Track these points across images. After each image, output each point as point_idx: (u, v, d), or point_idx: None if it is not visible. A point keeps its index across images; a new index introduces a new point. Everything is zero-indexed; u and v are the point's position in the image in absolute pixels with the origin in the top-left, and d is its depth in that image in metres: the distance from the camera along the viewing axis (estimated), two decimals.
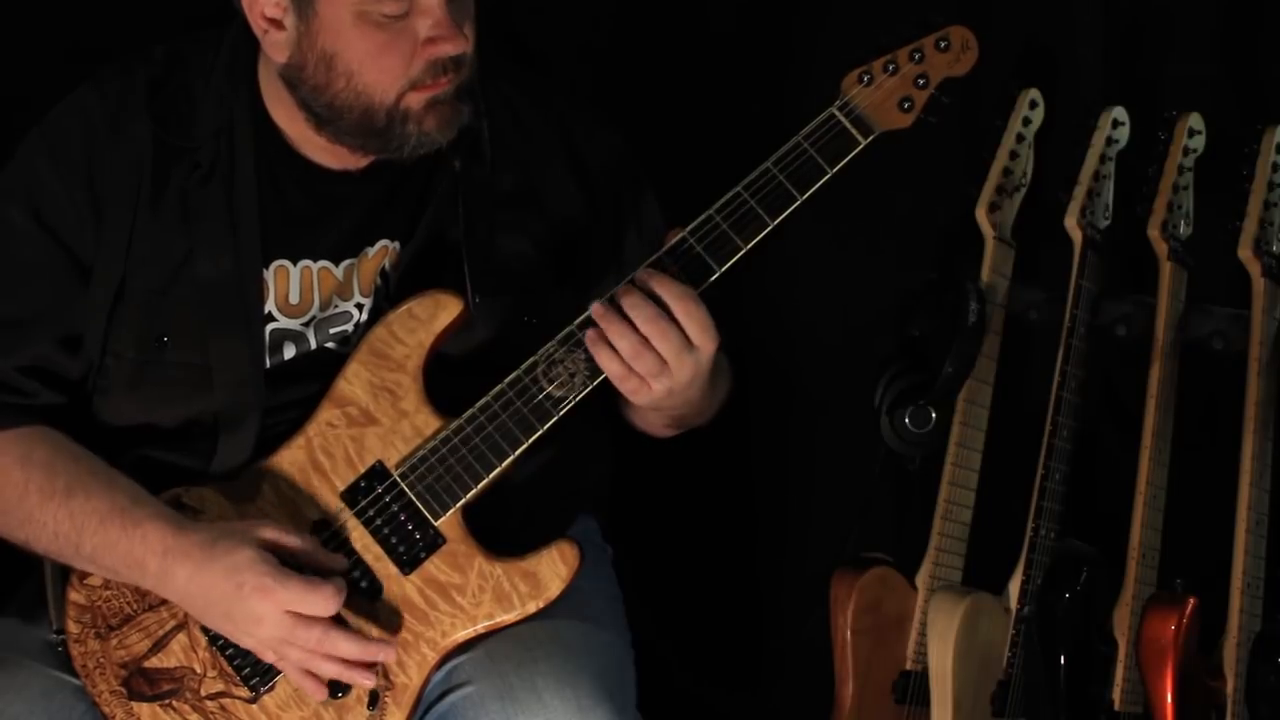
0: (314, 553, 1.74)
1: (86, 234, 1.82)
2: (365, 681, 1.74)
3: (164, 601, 1.77)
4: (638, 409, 1.88)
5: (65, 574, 1.80)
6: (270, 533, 1.73)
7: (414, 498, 1.77)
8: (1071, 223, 2.25)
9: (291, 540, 1.73)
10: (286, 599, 1.68)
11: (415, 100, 1.75)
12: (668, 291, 1.71)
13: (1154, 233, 2.23)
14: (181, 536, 1.73)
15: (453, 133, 1.79)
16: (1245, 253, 2.19)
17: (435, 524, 1.77)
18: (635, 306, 1.71)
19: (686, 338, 1.71)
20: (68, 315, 1.82)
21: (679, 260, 1.75)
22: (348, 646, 1.72)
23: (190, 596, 1.73)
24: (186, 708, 1.77)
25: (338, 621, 1.72)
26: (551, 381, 1.76)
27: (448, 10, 1.73)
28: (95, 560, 1.76)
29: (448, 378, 1.81)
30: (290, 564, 1.71)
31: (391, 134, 1.77)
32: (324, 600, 1.69)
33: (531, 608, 1.76)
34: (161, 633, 1.78)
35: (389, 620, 1.76)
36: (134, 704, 1.77)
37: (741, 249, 1.76)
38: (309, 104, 1.79)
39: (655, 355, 1.71)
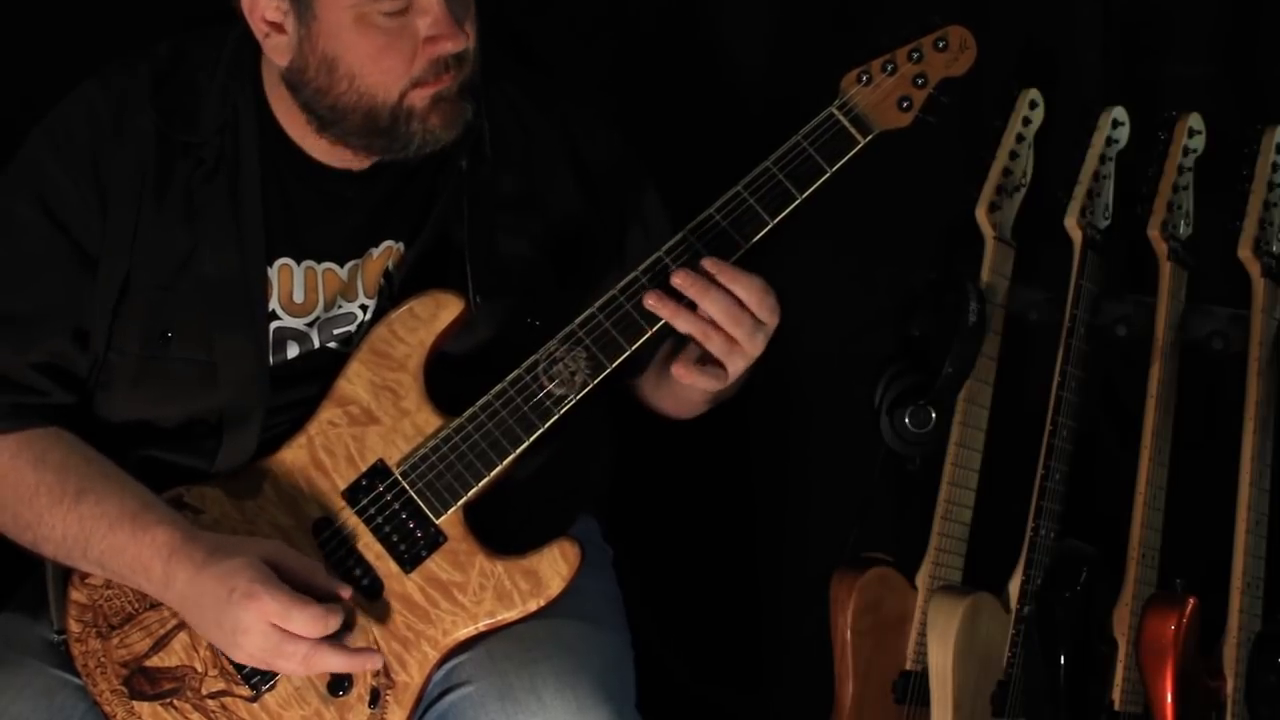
0: (315, 575, 1.72)
1: (94, 226, 1.81)
2: (367, 667, 1.73)
3: None
4: (677, 392, 1.89)
5: (67, 573, 1.80)
6: (275, 551, 1.71)
7: (415, 496, 1.77)
8: (1071, 223, 2.25)
9: (294, 562, 1.71)
10: (272, 610, 1.66)
11: (419, 98, 1.75)
12: (738, 284, 1.73)
13: (1154, 233, 2.23)
14: (189, 542, 1.72)
15: (457, 130, 1.79)
16: (1245, 253, 2.19)
17: (436, 522, 1.77)
18: (707, 298, 1.72)
19: (757, 319, 1.73)
20: (79, 308, 1.81)
21: (679, 259, 1.76)
22: (336, 661, 1.70)
23: (186, 600, 1.72)
24: (188, 706, 1.76)
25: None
26: (552, 380, 1.77)
27: (447, 7, 1.72)
28: (103, 564, 1.75)
29: (449, 377, 1.81)
30: (292, 583, 1.69)
31: (396, 133, 1.77)
32: (309, 620, 1.66)
33: (532, 606, 1.77)
34: (163, 631, 1.78)
35: (390, 619, 1.77)
36: (135, 703, 1.77)
37: (741, 248, 1.77)
38: (312, 106, 1.79)
39: (726, 336, 1.73)
